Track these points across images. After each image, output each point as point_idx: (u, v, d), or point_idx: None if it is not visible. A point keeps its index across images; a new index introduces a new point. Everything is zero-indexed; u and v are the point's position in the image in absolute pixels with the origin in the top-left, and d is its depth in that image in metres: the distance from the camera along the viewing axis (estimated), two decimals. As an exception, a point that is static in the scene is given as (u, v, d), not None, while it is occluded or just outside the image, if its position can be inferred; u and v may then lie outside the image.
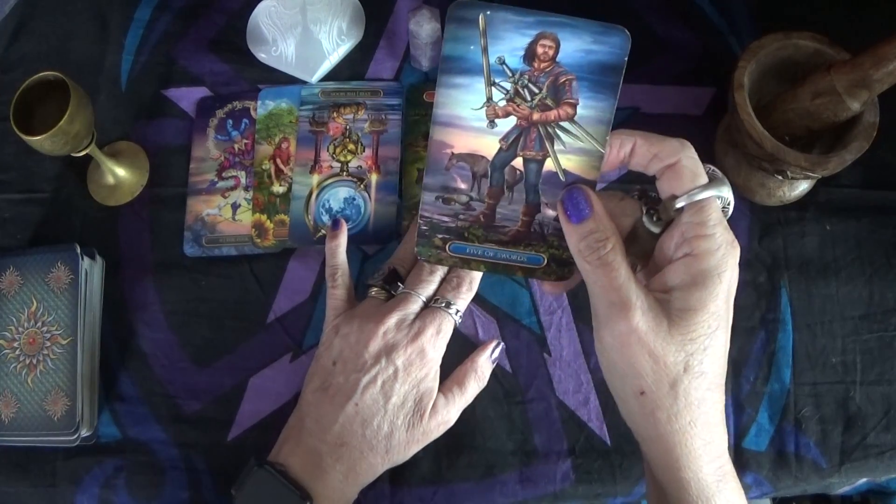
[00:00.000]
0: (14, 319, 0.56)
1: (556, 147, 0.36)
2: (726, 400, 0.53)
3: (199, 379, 0.56)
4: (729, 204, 0.35)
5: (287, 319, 0.57)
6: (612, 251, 0.34)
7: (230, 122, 0.62)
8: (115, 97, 0.64)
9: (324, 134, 0.61)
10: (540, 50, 0.34)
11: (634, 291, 0.34)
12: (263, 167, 0.61)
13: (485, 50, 0.34)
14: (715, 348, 0.34)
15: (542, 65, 0.34)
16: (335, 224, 0.56)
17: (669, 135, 0.36)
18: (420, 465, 0.53)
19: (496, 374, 0.54)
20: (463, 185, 0.37)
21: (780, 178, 0.53)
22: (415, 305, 0.51)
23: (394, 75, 0.63)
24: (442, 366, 0.51)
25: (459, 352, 0.53)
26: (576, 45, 0.34)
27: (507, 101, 0.35)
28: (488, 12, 0.33)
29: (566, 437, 0.54)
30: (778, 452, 0.53)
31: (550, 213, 0.37)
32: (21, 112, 0.52)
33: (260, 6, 0.66)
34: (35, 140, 0.51)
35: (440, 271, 0.53)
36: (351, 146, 0.61)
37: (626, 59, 0.34)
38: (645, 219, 0.36)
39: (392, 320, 0.50)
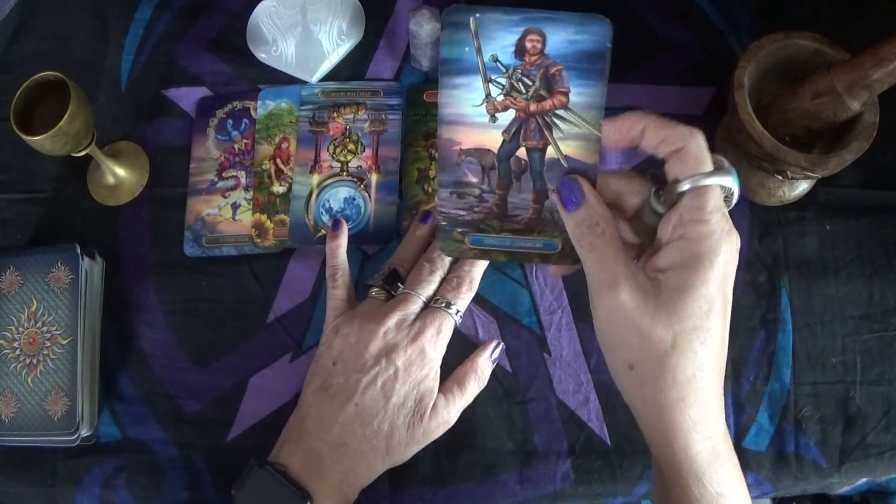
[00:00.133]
0: (14, 319, 0.56)
1: (555, 135, 0.38)
2: (726, 400, 0.53)
3: (199, 379, 0.56)
4: (732, 194, 0.36)
5: (287, 319, 0.57)
6: (601, 235, 0.36)
7: (230, 122, 0.62)
8: (115, 97, 0.64)
9: (324, 134, 0.61)
10: (529, 45, 0.36)
11: (623, 271, 0.35)
12: (263, 167, 0.61)
13: (478, 50, 0.36)
14: (706, 330, 0.35)
15: (533, 58, 0.36)
16: (335, 224, 0.56)
17: None
18: (420, 465, 0.53)
19: (496, 374, 0.54)
20: (474, 179, 0.39)
21: (780, 178, 0.53)
22: (415, 306, 0.51)
23: (394, 75, 0.63)
24: (442, 366, 0.51)
25: (459, 352, 0.53)
26: (561, 37, 0.36)
27: (505, 95, 0.37)
28: (478, 15, 0.36)
29: (566, 437, 0.54)
30: (778, 452, 0.53)
31: None
32: (21, 112, 0.52)
33: (260, 6, 0.66)
34: (35, 140, 0.51)
35: (440, 271, 0.53)
36: (351, 146, 0.61)
37: (610, 45, 0.35)
38: (652, 199, 0.37)
39: (392, 320, 0.50)
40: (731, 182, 0.35)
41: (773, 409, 0.54)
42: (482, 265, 0.54)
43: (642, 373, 0.36)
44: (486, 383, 0.53)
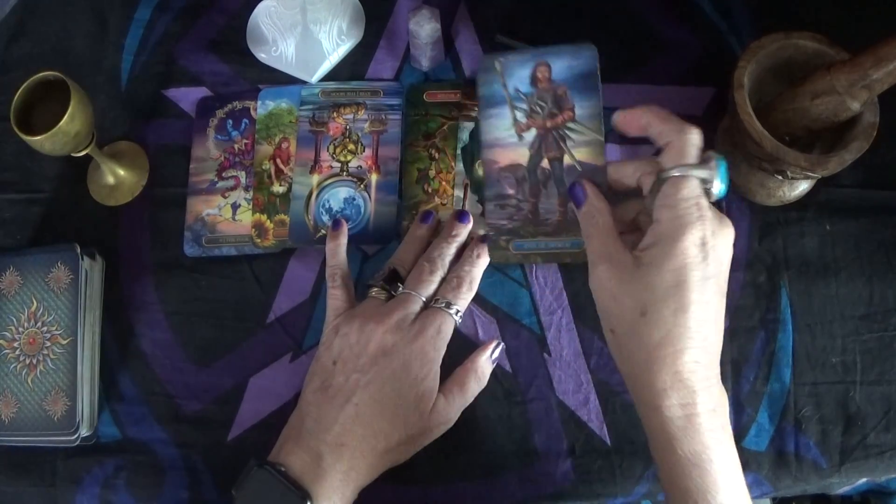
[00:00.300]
0: (14, 319, 0.56)
1: (568, 144, 0.46)
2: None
3: (199, 379, 0.56)
4: (711, 186, 0.40)
5: (287, 319, 0.57)
6: (595, 225, 0.43)
7: (230, 122, 0.62)
8: (115, 97, 0.64)
9: (324, 134, 0.61)
10: (539, 75, 0.46)
11: (607, 251, 0.41)
12: (263, 167, 0.61)
13: (504, 85, 0.47)
14: (673, 301, 0.38)
15: (543, 85, 0.46)
16: (335, 224, 0.56)
17: None
18: (420, 465, 0.53)
19: (496, 374, 0.54)
20: (511, 191, 0.48)
21: (780, 178, 0.53)
22: (415, 305, 0.51)
23: (394, 75, 0.63)
24: (442, 366, 0.51)
25: (459, 352, 0.53)
26: (562, 65, 0.46)
27: (527, 117, 0.47)
28: (501, 59, 0.47)
29: (566, 437, 0.54)
30: (778, 452, 0.53)
31: None
32: (21, 112, 0.52)
33: (260, 6, 0.66)
34: (35, 140, 0.51)
35: (440, 271, 0.53)
36: (351, 146, 0.61)
37: (598, 65, 0.45)
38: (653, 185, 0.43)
39: (392, 320, 0.50)
40: (707, 175, 0.40)
41: (773, 409, 0.54)
42: (482, 265, 0.54)
43: (618, 336, 0.41)
44: (486, 383, 0.53)
